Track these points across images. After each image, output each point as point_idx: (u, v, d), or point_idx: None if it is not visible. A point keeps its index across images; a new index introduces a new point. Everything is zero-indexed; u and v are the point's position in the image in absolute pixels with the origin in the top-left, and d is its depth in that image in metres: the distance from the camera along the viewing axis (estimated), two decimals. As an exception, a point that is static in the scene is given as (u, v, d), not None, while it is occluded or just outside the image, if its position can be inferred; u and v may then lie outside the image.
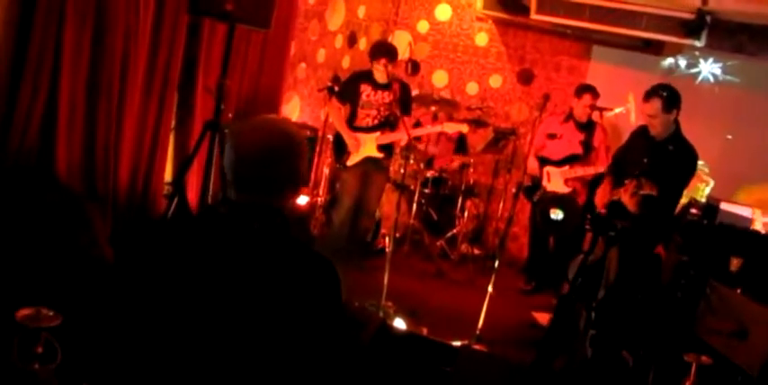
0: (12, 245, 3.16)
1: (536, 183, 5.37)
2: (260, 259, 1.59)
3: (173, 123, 4.55)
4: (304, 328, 1.56)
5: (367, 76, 4.69)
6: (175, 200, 3.71)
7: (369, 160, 4.75)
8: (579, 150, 5.29)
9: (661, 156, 3.94)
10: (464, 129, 4.86)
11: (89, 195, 3.87)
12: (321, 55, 6.15)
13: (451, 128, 4.88)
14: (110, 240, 3.72)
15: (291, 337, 1.55)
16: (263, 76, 5.26)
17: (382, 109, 4.72)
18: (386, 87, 4.68)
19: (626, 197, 3.79)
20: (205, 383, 1.56)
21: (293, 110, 5.94)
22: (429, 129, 4.96)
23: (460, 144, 6.32)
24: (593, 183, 5.03)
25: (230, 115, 4.67)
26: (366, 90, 4.71)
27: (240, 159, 1.63)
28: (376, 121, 4.75)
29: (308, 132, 5.42)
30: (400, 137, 4.73)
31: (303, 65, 5.93)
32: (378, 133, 4.75)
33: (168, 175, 4.62)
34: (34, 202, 3.42)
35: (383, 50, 4.59)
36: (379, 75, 4.62)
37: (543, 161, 5.37)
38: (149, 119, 4.26)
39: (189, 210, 4.36)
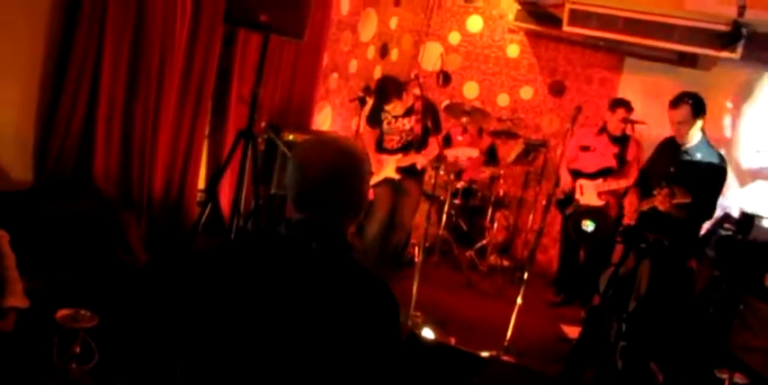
0: (51, 249, 3.25)
1: (569, 195, 5.36)
2: (317, 281, 1.56)
3: (207, 131, 4.63)
4: (361, 353, 1.53)
5: (383, 108, 4.77)
6: (208, 207, 3.78)
7: (390, 180, 4.81)
8: (613, 163, 5.26)
9: (688, 165, 3.93)
10: (473, 154, 5.01)
11: (124, 201, 3.97)
12: (353, 65, 6.22)
13: (461, 153, 4.95)
14: (144, 245, 3.81)
15: (347, 360, 1.52)
16: (295, 86, 5.34)
17: (404, 135, 4.83)
18: (405, 115, 4.78)
19: (659, 199, 3.78)
20: None
21: (325, 119, 6.01)
22: (430, 157, 4.89)
23: (491, 155, 6.33)
24: (621, 204, 5.02)
25: (263, 124, 4.76)
26: (386, 118, 4.82)
27: (304, 177, 1.61)
28: (398, 145, 4.87)
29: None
30: (419, 160, 4.80)
31: (335, 75, 6.00)
32: (399, 155, 4.85)
33: (201, 183, 4.69)
34: (72, 209, 3.50)
35: (384, 93, 4.61)
36: (393, 109, 4.72)
37: (576, 174, 5.36)
38: (184, 127, 4.35)
39: (222, 217, 4.46)
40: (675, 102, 3.93)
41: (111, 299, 3.10)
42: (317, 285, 1.55)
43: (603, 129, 5.37)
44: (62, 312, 2.54)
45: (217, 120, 4.71)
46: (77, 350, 2.53)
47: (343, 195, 1.62)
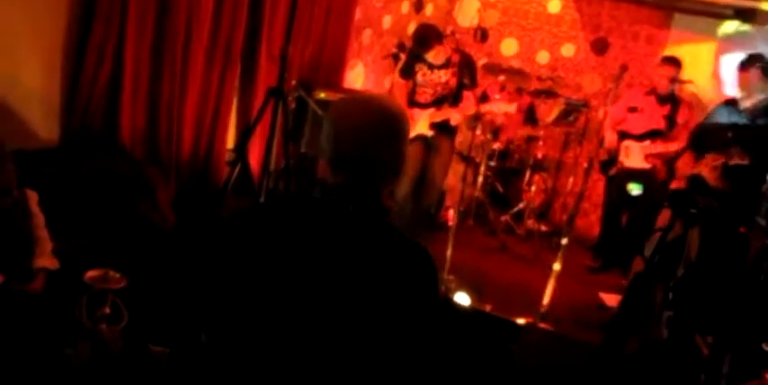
0: (78, 208, 3.26)
1: (613, 157, 5.25)
2: (354, 245, 1.53)
3: (236, 90, 4.60)
4: (401, 319, 1.51)
5: (422, 57, 4.64)
6: (238, 166, 3.76)
7: (422, 136, 4.73)
8: (662, 125, 5.13)
9: (749, 131, 3.79)
10: (511, 110, 4.77)
11: (152, 161, 3.97)
12: (387, 21, 6.11)
13: (496, 108, 4.80)
14: (172, 206, 3.82)
15: (386, 328, 1.50)
16: (327, 43, 5.27)
17: (439, 88, 4.71)
18: (442, 66, 4.65)
19: (706, 170, 3.68)
20: (298, 371, 1.53)
21: (357, 77, 5.94)
22: (465, 112, 4.77)
23: (529, 115, 6.22)
24: (674, 160, 4.89)
25: (293, 82, 4.73)
26: (421, 69, 4.70)
27: (341, 135, 1.56)
28: (432, 98, 4.75)
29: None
30: (453, 115, 4.67)
31: (368, 31, 5.90)
32: (432, 110, 4.73)
33: (231, 142, 4.69)
34: (99, 167, 3.52)
35: (425, 40, 4.48)
36: (433, 57, 4.59)
37: (623, 135, 5.24)
38: (212, 86, 4.32)
39: (251, 177, 4.47)
40: (745, 65, 3.80)
41: (139, 261, 3.11)
42: (354, 251, 1.52)
43: (653, 90, 5.23)
44: (91, 273, 2.56)
45: (246, 78, 4.68)
46: (107, 311, 2.56)
47: (384, 157, 1.57)
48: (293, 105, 4.76)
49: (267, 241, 1.57)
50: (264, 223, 1.61)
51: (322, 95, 4.85)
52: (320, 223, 1.55)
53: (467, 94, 4.64)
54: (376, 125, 1.56)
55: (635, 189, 4.98)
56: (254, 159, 4.64)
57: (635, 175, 5.08)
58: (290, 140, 4.18)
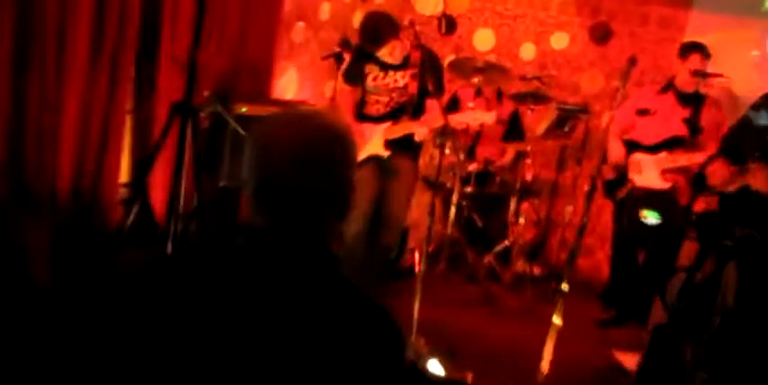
0: None
1: (621, 175, 5.31)
2: (293, 309, 1.53)
3: (129, 106, 4.58)
4: None
5: (372, 55, 4.68)
6: (135, 206, 3.75)
7: (377, 158, 4.76)
8: (682, 131, 5.20)
9: None
10: (488, 120, 4.74)
11: (18, 202, 3.89)
12: (324, 11, 6.17)
13: (470, 119, 4.83)
14: (49, 259, 3.77)
15: None
16: (248, 42, 5.28)
17: (395, 95, 4.76)
18: (400, 67, 4.70)
19: (761, 179, 3.72)
20: None
21: (288, 85, 5.95)
22: (430, 125, 4.75)
23: (513, 127, 6.29)
24: (699, 176, 4.96)
25: (206, 94, 4.74)
26: (373, 71, 4.74)
27: (269, 162, 1.59)
28: (387, 109, 4.80)
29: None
30: (415, 130, 4.70)
31: (301, 24, 5.94)
32: (388, 123, 4.77)
33: (125, 175, 4.65)
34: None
35: (376, 33, 4.50)
36: (388, 55, 4.64)
37: (632, 146, 5.32)
38: (97, 101, 4.26)
39: (153, 220, 4.42)
40: None
41: (8, 326, 3.10)
42: (292, 317, 1.53)
43: (670, 86, 5.31)
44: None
45: (143, 90, 4.67)
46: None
47: (326, 187, 1.61)
48: (207, 124, 4.76)
49: (176, 307, 1.58)
50: (173, 282, 1.61)
51: (243, 110, 4.87)
52: (246, 280, 1.56)
53: (431, 102, 4.67)
54: (314, 146, 1.59)
55: (651, 216, 5.04)
56: (157, 196, 4.60)
57: (650, 198, 5.14)
58: (205, 171, 4.18)
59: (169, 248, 3.73)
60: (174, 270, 1.67)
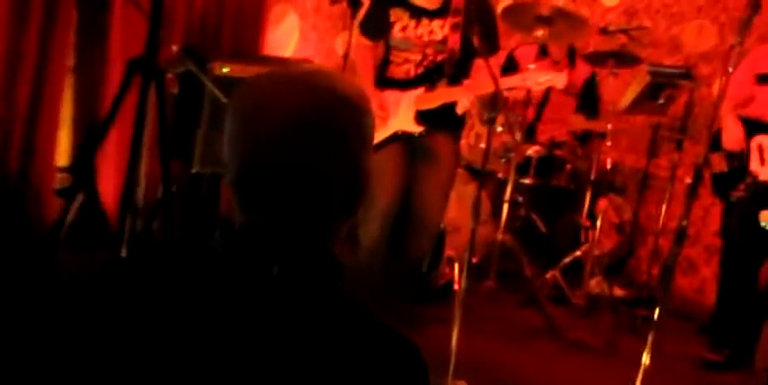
0: None
1: (737, 165, 5.26)
2: (283, 336, 1.53)
3: (71, 61, 4.62)
4: None
5: None
6: (78, 198, 3.77)
7: (406, 135, 4.77)
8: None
9: None
10: (558, 83, 4.71)
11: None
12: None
13: (532, 82, 4.74)
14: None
15: None
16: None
17: (431, 50, 4.74)
18: (437, 14, 4.68)
19: None
20: None
21: (287, 38, 6.01)
22: (477, 91, 4.77)
23: (589, 96, 6.31)
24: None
25: (175, 48, 4.75)
26: (401, 19, 4.72)
27: (256, 141, 1.59)
28: (420, 70, 4.79)
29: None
30: (456, 96, 4.69)
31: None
32: (420, 90, 4.75)
33: (64, 156, 4.71)
34: None
35: None
36: None
37: (753, 126, 5.27)
38: (26, 56, 4.30)
39: (103, 216, 4.42)
40: None
41: None
42: (281, 347, 1.52)
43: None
44: None
45: (89, 42, 4.72)
46: None
47: (329, 171, 1.62)
48: (176, 88, 4.82)
49: (135, 328, 1.57)
50: (130, 297, 1.62)
51: (225, 70, 4.93)
52: (223, 297, 1.57)
53: (479, 62, 4.61)
54: (311, 118, 1.59)
55: (774, 221, 5.01)
56: (108, 186, 4.65)
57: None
58: (173, 151, 4.26)
59: (123, 252, 3.75)
60: (129, 280, 1.68)
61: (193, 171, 4.88)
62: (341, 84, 1.67)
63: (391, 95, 4.78)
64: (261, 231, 1.61)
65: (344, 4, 5.37)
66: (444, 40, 4.70)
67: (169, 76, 4.56)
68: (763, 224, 4.99)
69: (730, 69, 4.32)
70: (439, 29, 4.70)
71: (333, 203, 1.64)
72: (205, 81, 4.68)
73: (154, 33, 3.68)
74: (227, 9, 5.35)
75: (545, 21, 5.68)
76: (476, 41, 4.55)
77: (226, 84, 4.72)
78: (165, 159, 3.88)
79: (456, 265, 5.41)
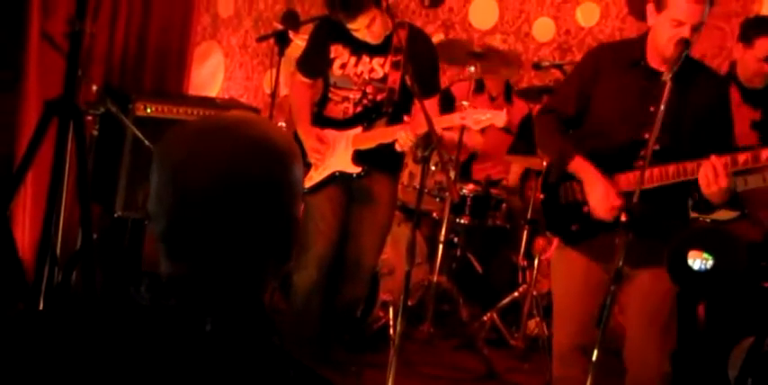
0: None
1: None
2: None
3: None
4: None
5: (341, 31, 4.64)
6: None
7: (343, 176, 4.76)
8: (750, 138, 5.27)
9: None
10: (498, 122, 4.66)
11: None
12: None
13: (479, 118, 4.73)
14: None
15: None
16: (153, 15, 5.32)
17: (370, 88, 4.75)
18: (379, 50, 4.68)
19: None
20: None
21: (214, 74, 6.01)
22: (415, 130, 4.58)
23: (523, 135, 6.30)
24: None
25: (95, 88, 4.72)
26: (341, 56, 4.72)
27: (184, 192, 1.60)
28: (358, 109, 4.79)
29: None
30: (397, 135, 4.57)
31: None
32: (358, 129, 4.75)
33: None
34: None
35: (348, 1, 4.40)
36: (365, 30, 4.57)
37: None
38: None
39: (19, 265, 4.38)
40: None
41: None
42: None
43: (730, 76, 5.35)
44: None
45: (3, 83, 4.69)
46: None
47: (258, 224, 1.62)
48: (95, 131, 4.75)
49: None
50: (46, 353, 1.60)
51: (148, 111, 4.89)
52: (150, 353, 1.55)
53: (421, 102, 4.44)
54: (243, 170, 1.60)
55: (700, 259, 5.06)
56: (24, 233, 4.63)
57: (701, 237, 5.17)
58: (93, 196, 4.16)
59: (41, 305, 3.70)
60: (46, 335, 1.65)
61: (116, 215, 4.83)
62: (270, 133, 1.68)
63: (329, 135, 4.78)
64: (191, 283, 1.60)
65: (271, 41, 5.39)
66: (384, 79, 4.70)
67: (89, 117, 4.52)
68: (691, 264, 5.08)
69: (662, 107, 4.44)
70: (379, 66, 4.70)
71: (264, 253, 1.65)
72: (126, 123, 4.61)
73: (72, 73, 3.64)
74: (150, 47, 5.32)
75: (478, 56, 5.75)
76: (417, 81, 4.44)
77: (149, 124, 4.70)
78: (85, 205, 3.81)
79: (391, 309, 5.39)
